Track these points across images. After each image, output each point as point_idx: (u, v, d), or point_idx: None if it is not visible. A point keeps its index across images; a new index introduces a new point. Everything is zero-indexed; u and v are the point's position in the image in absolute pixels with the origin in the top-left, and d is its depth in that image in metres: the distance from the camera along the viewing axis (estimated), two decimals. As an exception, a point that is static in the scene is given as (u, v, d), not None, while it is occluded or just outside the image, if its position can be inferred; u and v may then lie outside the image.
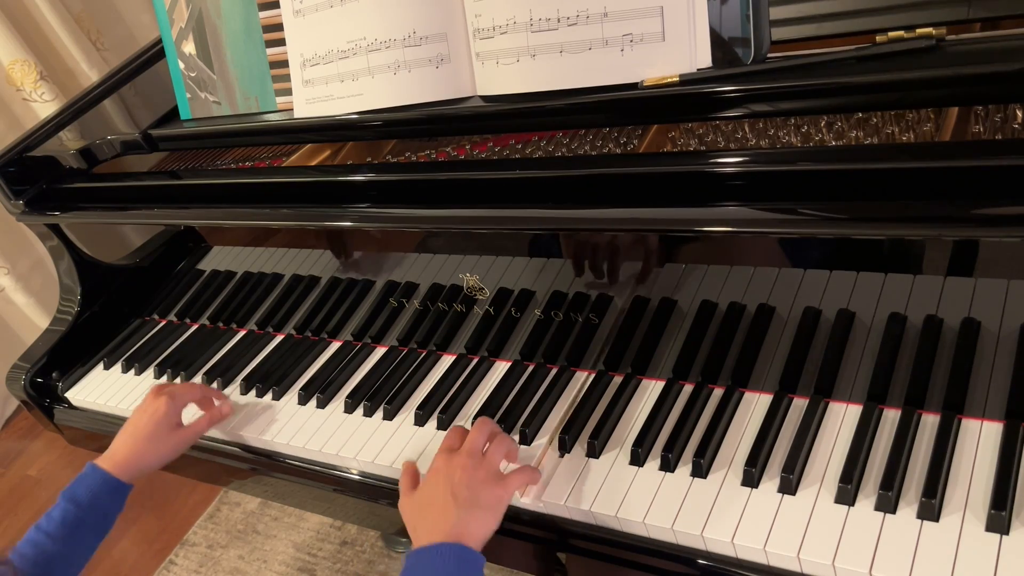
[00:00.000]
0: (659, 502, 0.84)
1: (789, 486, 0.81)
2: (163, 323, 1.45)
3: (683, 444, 0.89)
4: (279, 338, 1.30)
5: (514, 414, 1.00)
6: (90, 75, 2.40)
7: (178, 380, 1.29)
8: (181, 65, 1.26)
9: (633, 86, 0.85)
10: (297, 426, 1.12)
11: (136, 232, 1.40)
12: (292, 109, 1.11)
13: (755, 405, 0.91)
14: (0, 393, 2.53)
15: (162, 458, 1.09)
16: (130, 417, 1.11)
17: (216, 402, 1.17)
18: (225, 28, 1.19)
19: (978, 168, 0.69)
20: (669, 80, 0.83)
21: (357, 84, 1.02)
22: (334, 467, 1.07)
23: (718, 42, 0.82)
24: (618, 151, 0.90)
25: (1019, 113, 0.72)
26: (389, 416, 1.08)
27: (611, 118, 0.92)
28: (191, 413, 1.16)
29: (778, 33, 0.85)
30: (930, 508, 0.74)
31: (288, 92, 1.12)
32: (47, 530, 0.98)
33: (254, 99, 1.19)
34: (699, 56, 0.82)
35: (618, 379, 1.00)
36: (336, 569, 1.78)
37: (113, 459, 1.05)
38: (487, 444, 0.90)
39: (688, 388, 0.96)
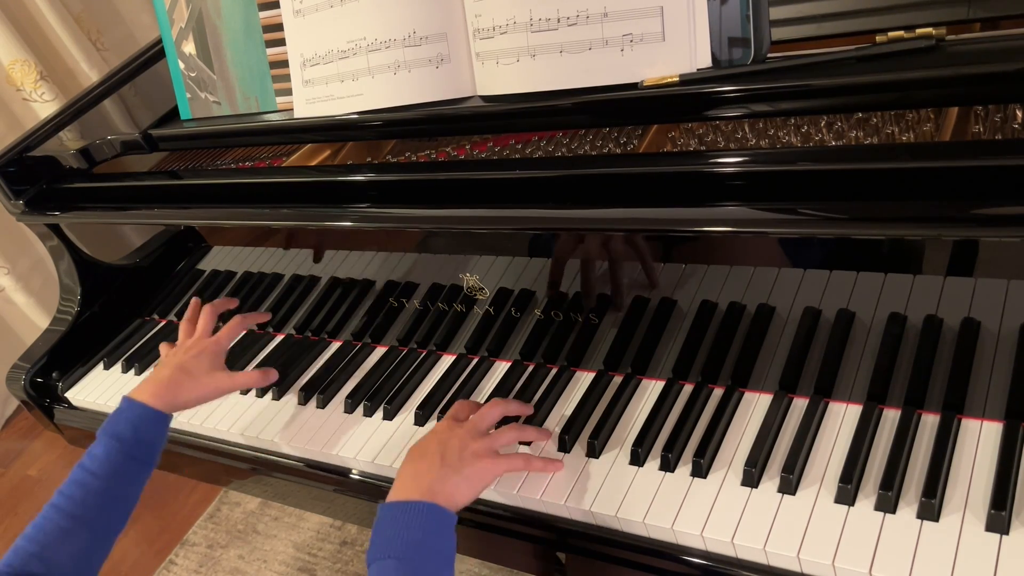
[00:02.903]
0: (659, 502, 0.84)
1: (789, 486, 0.81)
2: (163, 323, 1.45)
3: (683, 444, 0.89)
4: (279, 338, 1.30)
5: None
6: (90, 75, 2.40)
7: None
8: (181, 65, 1.26)
9: (633, 86, 0.85)
10: (297, 426, 1.12)
11: (136, 232, 1.40)
12: (292, 109, 1.11)
13: (755, 405, 0.91)
14: (0, 393, 2.53)
15: (202, 395, 1.05)
16: (172, 350, 1.09)
17: (270, 375, 1.13)
18: (225, 28, 1.19)
19: (978, 168, 0.69)
20: (669, 80, 0.83)
21: (357, 84, 1.02)
22: (334, 467, 1.07)
23: (718, 42, 0.82)
24: (618, 151, 0.90)
25: (1019, 113, 0.72)
26: (389, 416, 1.08)
27: (611, 118, 0.92)
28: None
29: (778, 33, 0.85)
30: (930, 508, 0.74)
31: (288, 92, 1.12)
32: (91, 468, 0.94)
33: (254, 99, 1.19)
34: (699, 56, 0.82)
35: (618, 379, 1.00)
36: (336, 569, 1.78)
37: (149, 389, 1.02)
38: (494, 424, 0.91)
39: (688, 388, 0.96)
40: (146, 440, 0.98)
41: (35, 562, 0.86)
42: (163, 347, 1.15)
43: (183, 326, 1.16)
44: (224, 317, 1.23)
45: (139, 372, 1.34)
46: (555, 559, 1.07)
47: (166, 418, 1.01)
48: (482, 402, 1.03)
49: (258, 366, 1.25)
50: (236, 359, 1.27)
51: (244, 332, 1.14)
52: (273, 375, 1.11)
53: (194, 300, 1.19)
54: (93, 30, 2.50)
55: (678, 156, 0.85)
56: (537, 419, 0.98)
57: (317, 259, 1.17)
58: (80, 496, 0.92)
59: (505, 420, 0.97)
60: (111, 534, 0.94)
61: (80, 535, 0.90)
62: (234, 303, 1.21)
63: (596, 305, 0.97)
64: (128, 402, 1.00)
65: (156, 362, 1.12)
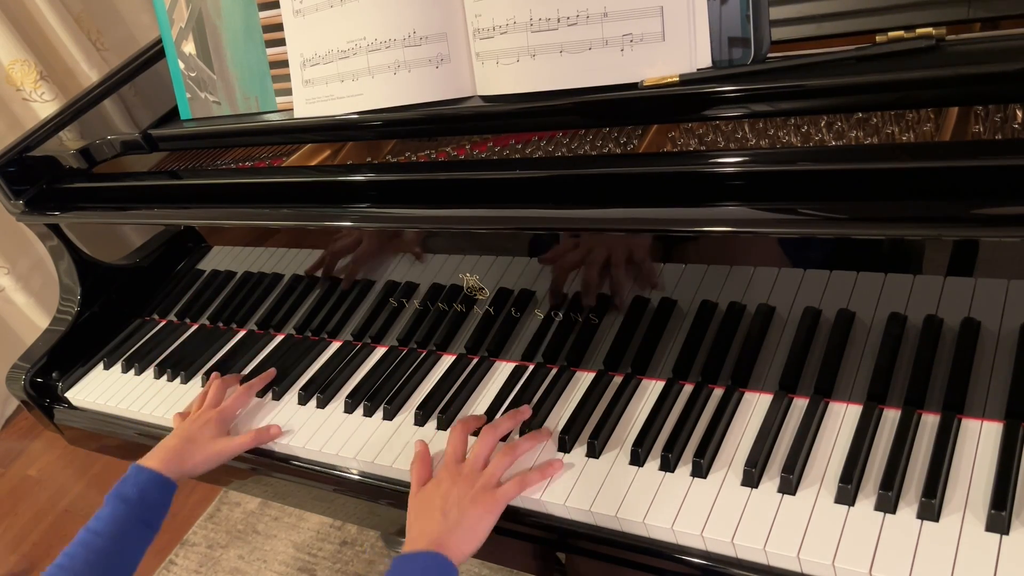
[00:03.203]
0: (659, 502, 0.84)
1: (789, 486, 0.81)
2: (163, 323, 1.45)
3: (683, 444, 0.89)
4: (279, 338, 1.30)
5: (514, 414, 1.00)
6: (90, 75, 2.40)
7: (178, 380, 1.29)
8: (181, 65, 1.26)
9: (633, 86, 0.85)
10: (297, 426, 1.12)
11: (136, 232, 1.40)
12: (292, 109, 1.11)
13: (755, 405, 0.91)
14: (0, 393, 2.53)
15: (207, 462, 1.09)
16: (183, 421, 1.14)
17: (271, 430, 1.14)
18: (225, 28, 1.19)
19: (978, 168, 0.69)
20: (669, 80, 0.83)
21: (357, 84, 1.02)
22: (334, 467, 1.07)
23: (718, 42, 0.82)
24: (618, 151, 0.90)
25: (1019, 113, 0.72)
26: (389, 416, 1.08)
27: (611, 118, 0.92)
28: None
29: (778, 33, 0.85)
30: (930, 508, 0.74)
31: (288, 92, 1.12)
32: (96, 529, 0.96)
33: (254, 99, 1.19)
34: (699, 56, 0.82)
35: (618, 379, 1.00)
36: (336, 569, 1.78)
37: (157, 457, 1.06)
38: (491, 454, 0.93)
39: (688, 388, 0.96)
40: (151, 504, 1.01)
41: None
42: (176, 418, 1.18)
43: (196, 399, 1.20)
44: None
45: (139, 372, 1.34)
46: (555, 559, 1.08)
47: (172, 485, 1.04)
48: (480, 409, 1.04)
49: (258, 366, 1.25)
50: (237, 358, 1.28)
51: (251, 401, 1.18)
52: (275, 431, 1.12)
53: (213, 375, 1.23)
54: (93, 30, 2.50)
55: (678, 156, 0.85)
56: (537, 419, 0.98)
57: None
58: (83, 555, 0.94)
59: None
60: None
61: None
62: (239, 377, 1.23)
63: (596, 305, 0.97)
64: (136, 468, 1.04)
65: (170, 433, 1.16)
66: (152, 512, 1.01)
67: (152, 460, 1.05)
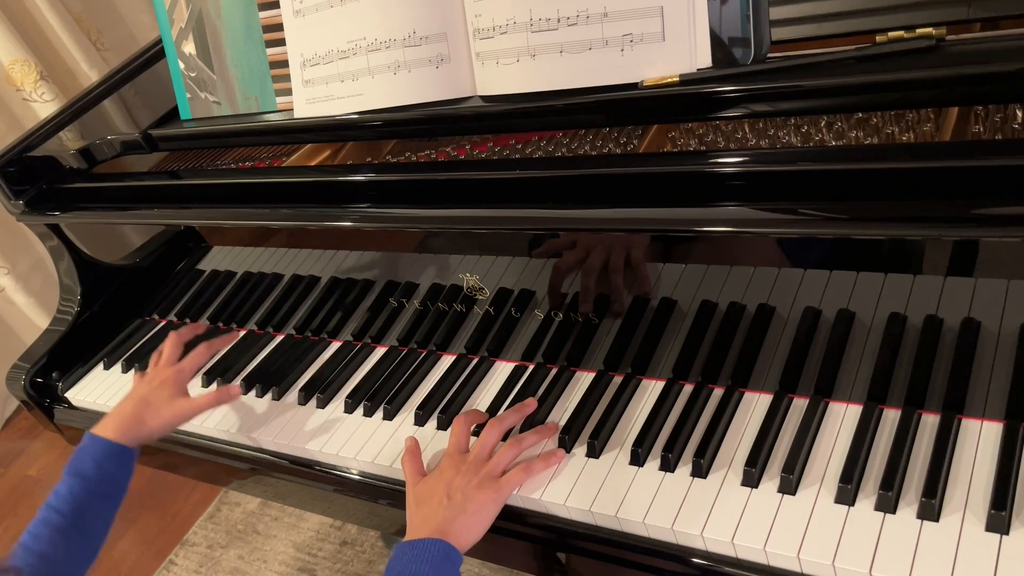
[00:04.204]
0: (659, 502, 0.84)
1: (789, 486, 0.81)
2: (163, 323, 1.45)
3: (683, 444, 0.89)
4: (279, 338, 1.30)
5: (514, 414, 1.00)
6: (90, 75, 2.40)
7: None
8: (181, 65, 1.26)
9: (633, 86, 0.85)
10: (297, 426, 1.12)
11: (136, 232, 1.40)
12: (292, 109, 1.11)
13: (755, 405, 0.91)
14: (0, 393, 2.53)
15: (165, 425, 1.06)
16: (133, 383, 1.10)
17: (232, 390, 1.13)
18: (225, 28, 1.19)
19: (978, 168, 0.69)
20: (669, 80, 0.83)
21: (357, 84, 1.02)
22: (334, 467, 1.07)
23: (718, 42, 0.82)
24: (618, 151, 0.90)
25: (1019, 113, 0.72)
26: (389, 416, 1.08)
27: (611, 118, 0.92)
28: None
29: (778, 33, 0.85)
30: (930, 508, 0.74)
31: (288, 92, 1.12)
32: (56, 507, 0.95)
33: (254, 99, 1.19)
34: (699, 56, 0.82)
35: (618, 379, 1.00)
36: (336, 569, 1.78)
37: (111, 425, 1.03)
38: (496, 447, 0.93)
39: (688, 388, 0.96)
40: (110, 475, 0.99)
41: None
42: (135, 377, 1.16)
43: (152, 357, 1.16)
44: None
45: (139, 372, 1.34)
46: (555, 559, 1.08)
47: (130, 452, 1.02)
48: (481, 408, 1.03)
49: (258, 366, 1.25)
50: (235, 360, 1.27)
51: (209, 359, 1.15)
52: (235, 391, 1.11)
53: (171, 334, 1.19)
54: (93, 30, 2.50)
55: (678, 156, 0.85)
56: (537, 419, 0.98)
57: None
58: (47, 535, 0.93)
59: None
60: (79, 570, 0.95)
61: (48, 572, 0.91)
62: (201, 328, 1.20)
63: (596, 305, 0.97)
64: (90, 438, 1.01)
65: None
66: (111, 484, 0.98)
67: (106, 428, 1.02)
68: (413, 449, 0.97)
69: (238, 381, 1.23)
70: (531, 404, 0.98)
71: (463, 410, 1.05)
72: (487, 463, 0.90)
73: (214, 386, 1.17)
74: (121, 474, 1.00)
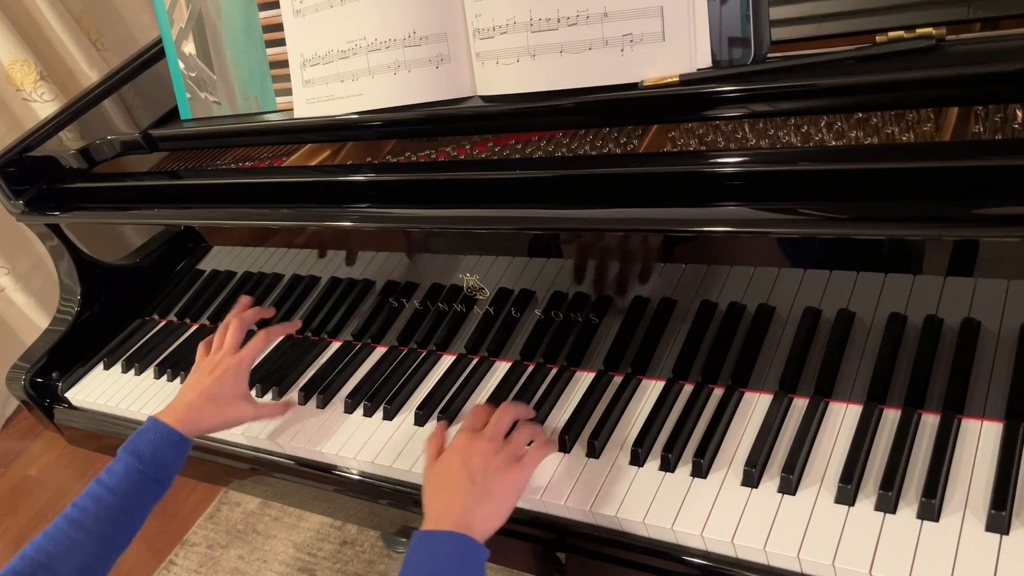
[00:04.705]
0: (659, 502, 0.84)
1: (789, 486, 0.81)
2: (163, 323, 1.45)
3: (683, 444, 0.89)
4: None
5: (514, 414, 1.00)
6: (90, 75, 2.40)
7: (178, 380, 1.29)
8: (181, 65, 1.26)
9: (633, 86, 0.85)
10: (297, 426, 1.12)
11: (136, 232, 1.40)
12: (292, 109, 1.11)
13: (755, 405, 0.91)
14: (0, 393, 2.53)
15: (224, 422, 1.06)
16: (195, 369, 1.09)
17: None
18: (225, 28, 1.19)
19: (978, 168, 0.69)
20: (669, 80, 0.83)
21: (357, 84, 1.02)
22: (334, 467, 1.07)
23: (718, 42, 0.82)
24: (618, 151, 0.90)
25: (1019, 113, 0.72)
26: (389, 416, 1.08)
27: (611, 118, 0.92)
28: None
29: (778, 33, 0.85)
30: (930, 508, 0.74)
31: (288, 92, 1.12)
32: (109, 484, 0.94)
33: (254, 99, 1.19)
34: (699, 56, 0.82)
35: (618, 379, 1.00)
36: (336, 569, 1.78)
37: (175, 413, 1.02)
38: (511, 428, 0.92)
39: (688, 388, 0.96)
40: (164, 462, 0.98)
41: (41, 572, 0.87)
42: (201, 347, 1.14)
43: (219, 330, 1.14)
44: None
45: (139, 372, 1.34)
46: (555, 559, 1.07)
47: (187, 443, 1.01)
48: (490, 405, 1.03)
49: (258, 366, 1.25)
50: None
51: (268, 347, 1.13)
52: (290, 405, 1.12)
53: (243, 299, 1.16)
54: (93, 30, 2.50)
55: (678, 156, 0.85)
56: (537, 419, 0.98)
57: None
58: (94, 510, 0.92)
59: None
60: (116, 552, 0.95)
61: (88, 549, 0.91)
62: (268, 313, 1.18)
63: (596, 305, 0.97)
64: (153, 422, 1.01)
65: (192, 368, 1.12)
66: (164, 471, 0.98)
67: (169, 415, 1.02)
68: (439, 429, 0.96)
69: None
70: (532, 410, 0.98)
71: (462, 412, 1.05)
72: (507, 440, 0.88)
73: (269, 396, 1.17)
74: (174, 463, 1.00)
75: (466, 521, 0.81)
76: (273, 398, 1.18)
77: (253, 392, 1.19)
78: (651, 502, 0.84)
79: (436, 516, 0.83)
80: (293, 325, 1.15)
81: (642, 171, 0.85)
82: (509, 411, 0.93)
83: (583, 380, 1.02)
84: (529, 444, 0.93)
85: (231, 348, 1.10)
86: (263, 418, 1.10)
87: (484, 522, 0.82)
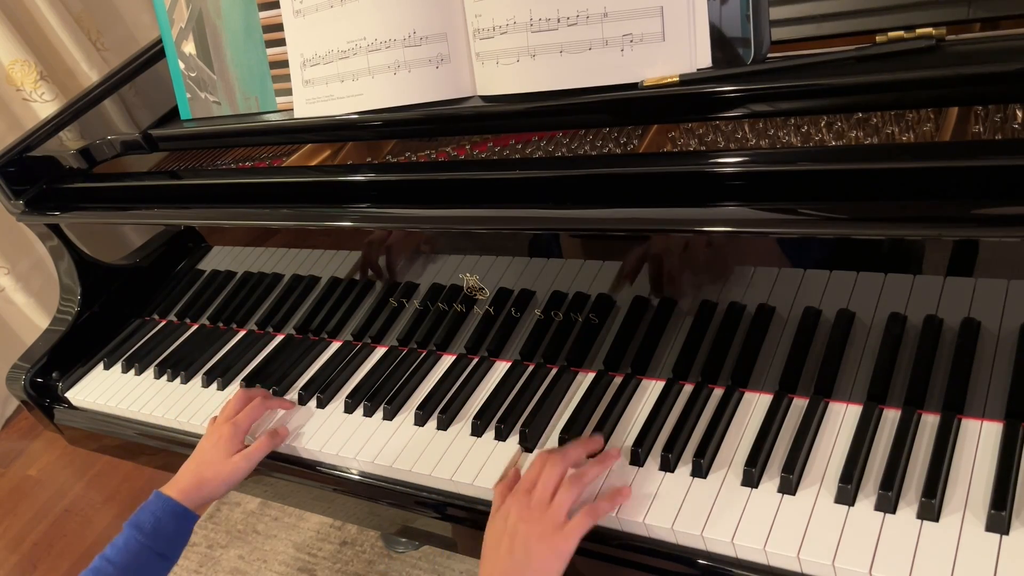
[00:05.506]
0: (659, 502, 0.84)
1: (789, 486, 0.81)
2: (163, 323, 1.45)
3: (683, 444, 0.89)
4: (279, 338, 1.30)
5: (514, 414, 1.00)
6: (90, 75, 2.40)
7: (178, 380, 1.29)
8: (181, 65, 1.26)
9: (633, 86, 0.85)
10: (297, 426, 1.12)
11: (136, 232, 1.40)
12: (292, 109, 1.11)
13: (755, 405, 0.91)
14: (0, 393, 2.53)
15: (224, 483, 1.07)
16: (201, 440, 1.11)
17: (280, 432, 1.12)
18: (225, 28, 1.19)
19: (978, 168, 0.69)
20: (669, 80, 0.83)
21: (357, 84, 1.02)
22: (334, 467, 1.07)
23: (718, 42, 0.82)
24: (618, 151, 0.90)
25: (1019, 113, 0.72)
26: (389, 416, 1.08)
27: (611, 118, 0.92)
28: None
29: (778, 33, 0.85)
30: (930, 508, 0.74)
31: (288, 92, 1.12)
32: (110, 557, 0.96)
33: (254, 99, 1.19)
34: (699, 56, 0.82)
35: (618, 379, 1.00)
36: (336, 569, 1.78)
37: (177, 486, 1.04)
38: (559, 483, 0.86)
39: (688, 388, 0.96)
40: (166, 535, 0.99)
41: None
42: (209, 423, 1.15)
43: (226, 403, 1.15)
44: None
45: (139, 372, 1.34)
46: (555, 559, 1.07)
47: (191, 515, 1.03)
48: (472, 406, 1.03)
49: (258, 366, 1.25)
50: (236, 360, 1.28)
51: (263, 414, 1.14)
52: (283, 432, 1.11)
53: (240, 391, 1.17)
54: (93, 30, 2.50)
55: (678, 156, 0.85)
56: (538, 420, 0.98)
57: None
58: None
59: None
60: None
61: None
62: (268, 395, 1.18)
63: (596, 305, 0.97)
64: (156, 495, 1.03)
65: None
66: (167, 544, 1.00)
67: (173, 488, 1.04)
68: (510, 479, 0.90)
69: (238, 381, 1.22)
70: (598, 442, 0.92)
71: (461, 412, 1.04)
72: (550, 507, 0.84)
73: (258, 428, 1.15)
74: (178, 536, 1.01)
75: None
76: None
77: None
78: (651, 502, 0.84)
79: (482, 574, 0.84)
80: (288, 404, 1.14)
81: (642, 171, 0.85)
82: (557, 469, 0.87)
83: (583, 380, 1.02)
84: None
85: (226, 416, 1.12)
86: (258, 456, 1.09)
87: None
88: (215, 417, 1.16)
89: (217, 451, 1.07)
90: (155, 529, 0.99)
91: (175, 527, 1.01)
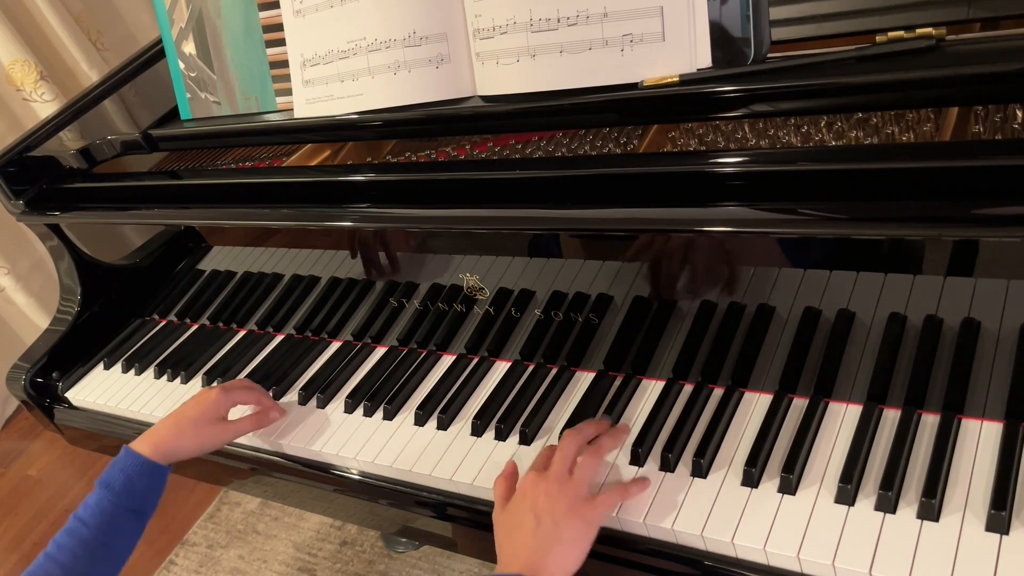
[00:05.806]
0: (659, 502, 0.84)
1: (789, 486, 0.81)
2: (163, 323, 1.45)
3: (683, 444, 0.89)
4: (279, 338, 1.30)
5: (514, 414, 1.00)
6: (90, 75, 2.40)
7: (178, 380, 1.29)
8: (181, 65, 1.26)
9: (633, 86, 0.85)
10: (297, 426, 1.12)
11: (136, 232, 1.40)
12: (292, 109, 1.11)
13: (755, 405, 0.91)
14: (0, 393, 2.53)
15: (201, 446, 1.05)
16: (182, 404, 1.10)
17: (272, 414, 1.12)
18: (225, 28, 1.19)
19: (978, 168, 0.69)
20: (669, 80, 0.83)
21: (357, 84, 1.02)
22: (334, 467, 1.07)
23: (718, 42, 0.82)
24: (618, 151, 0.90)
25: (1019, 113, 0.72)
26: (389, 416, 1.08)
27: (611, 118, 0.92)
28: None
29: (778, 33, 0.85)
30: (930, 508, 0.74)
31: (288, 92, 1.12)
32: (82, 517, 0.95)
33: (254, 99, 1.19)
34: (699, 56, 0.82)
35: (618, 379, 1.00)
36: (336, 569, 1.78)
37: (149, 440, 1.02)
38: (576, 459, 0.86)
39: (688, 388, 0.96)
40: (138, 491, 0.98)
41: None
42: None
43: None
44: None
45: (139, 372, 1.34)
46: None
47: (162, 469, 1.01)
48: (477, 404, 1.03)
49: (258, 366, 1.25)
50: (236, 360, 1.28)
51: (252, 404, 1.13)
52: (275, 415, 1.10)
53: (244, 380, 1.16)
54: (93, 30, 2.50)
55: (678, 156, 0.85)
56: (537, 419, 0.98)
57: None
58: (69, 545, 0.93)
59: None
60: None
61: None
62: (276, 412, 1.15)
63: (596, 305, 0.97)
64: (125, 451, 1.01)
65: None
66: (141, 500, 0.98)
67: (143, 444, 1.01)
68: (510, 473, 0.90)
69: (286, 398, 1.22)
70: (607, 422, 0.92)
71: (461, 412, 1.04)
72: (572, 478, 0.83)
73: (249, 409, 1.14)
74: (151, 491, 1.00)
75: (535, 566, 0.78)
76: (273, 398, 1.17)
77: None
78: (651, 502, 0.84)
79: (505, 561, 0.81)
80: (280, 412, 1.13)
81: (642, 171, 0.85)
82: (573, 442, 0.87)
83: (583, 380, 1.02)
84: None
85: (222, 387, 1.10)
86: (240, 434, 1.09)
87: (558, 566, 0.79)
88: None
89: (202, 412, 1.06)
90: (126, 486, 0.97)
91: (146, 483, 0.99)
